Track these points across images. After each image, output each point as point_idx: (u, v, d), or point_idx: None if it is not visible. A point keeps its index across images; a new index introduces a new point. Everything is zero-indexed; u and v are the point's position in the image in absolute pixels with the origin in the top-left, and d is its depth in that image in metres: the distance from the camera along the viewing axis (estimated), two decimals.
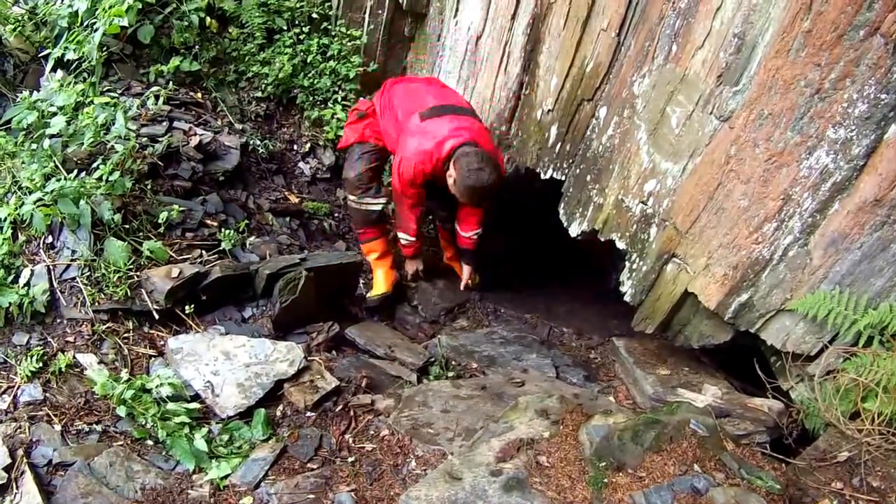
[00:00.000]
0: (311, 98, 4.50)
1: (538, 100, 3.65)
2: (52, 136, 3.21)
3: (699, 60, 2.67)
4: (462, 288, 4.13)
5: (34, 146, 3.23)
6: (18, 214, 3.03)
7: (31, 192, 3.04)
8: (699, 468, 1.99)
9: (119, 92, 3.83)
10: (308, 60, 4.43)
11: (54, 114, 3.27)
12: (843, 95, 2.23)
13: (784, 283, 2.56)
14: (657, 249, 2.97)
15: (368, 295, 3.84)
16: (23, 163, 3.21)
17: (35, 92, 3.47)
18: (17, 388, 2.71)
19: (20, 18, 3.96)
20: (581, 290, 4.57)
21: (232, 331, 3.16)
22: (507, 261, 4.67)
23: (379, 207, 3.81)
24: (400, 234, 3.95)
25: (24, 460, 2.43)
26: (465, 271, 4.11)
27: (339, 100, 4.50)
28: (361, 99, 4.08)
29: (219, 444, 2.65)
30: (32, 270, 3.00)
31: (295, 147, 4.52)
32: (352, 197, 3.84)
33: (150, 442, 2.64)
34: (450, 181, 3.48)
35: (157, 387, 2.71)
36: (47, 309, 2.95)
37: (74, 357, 2.86)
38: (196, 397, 2.80)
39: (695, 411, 2.25)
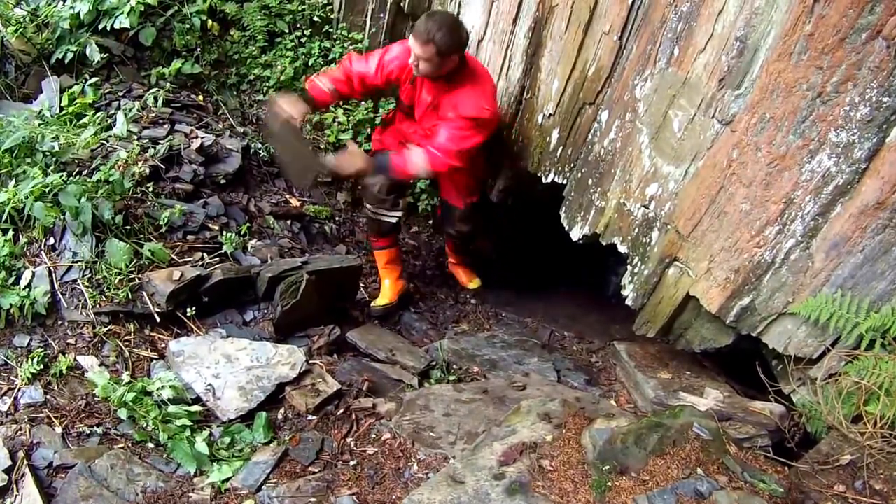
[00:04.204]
0: None
1: (539, 104, 3.65)
2: (52, 138, 3.20)
3: (701, 64, 2.67)
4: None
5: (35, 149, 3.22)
6: (19, 201, 2.98)
7: (32, 180, 3.01)
8: (702, 471, 1.99)
9: (120, 94, 3.83)
10: (309, 63, 4.44)
11: (55, 115, 3.27)
12: (845, 99, 2.23)
13: (786, 287, 2.56)
14: (659, 253, 2.98)
15: (373, 304, 3.84)
16: (23, 170, 3.20)
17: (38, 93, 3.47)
18: (18, 390, 2.70)
19: (22, 20, 3.95)
20: (582, 294, 4.57)
21: (233, 334, 3.15)
22: (508, 264, 4.67)
23: (394, 220, 3.78)
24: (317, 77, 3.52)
25: (25, 462, 2.42)
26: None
27: (340, 103, 4.50)
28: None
29: (220, 448, 2.64)
30: (33, 272, 3.00)
31: None
32: (368, 206, 3.83)
33: (151, 445, 2.63)
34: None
35: (158, 389, 2.71)
36: (48, 311, 2.95)
37: (75, 359, 2.85)
38: (197, 400, 2.80)
39: (697, 415, 2.25)
